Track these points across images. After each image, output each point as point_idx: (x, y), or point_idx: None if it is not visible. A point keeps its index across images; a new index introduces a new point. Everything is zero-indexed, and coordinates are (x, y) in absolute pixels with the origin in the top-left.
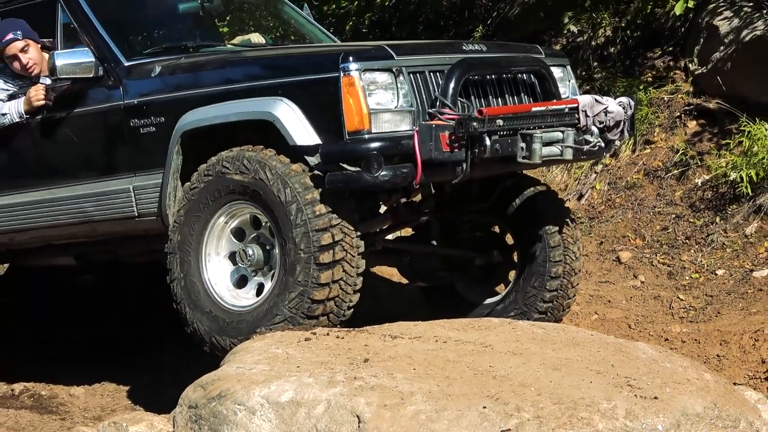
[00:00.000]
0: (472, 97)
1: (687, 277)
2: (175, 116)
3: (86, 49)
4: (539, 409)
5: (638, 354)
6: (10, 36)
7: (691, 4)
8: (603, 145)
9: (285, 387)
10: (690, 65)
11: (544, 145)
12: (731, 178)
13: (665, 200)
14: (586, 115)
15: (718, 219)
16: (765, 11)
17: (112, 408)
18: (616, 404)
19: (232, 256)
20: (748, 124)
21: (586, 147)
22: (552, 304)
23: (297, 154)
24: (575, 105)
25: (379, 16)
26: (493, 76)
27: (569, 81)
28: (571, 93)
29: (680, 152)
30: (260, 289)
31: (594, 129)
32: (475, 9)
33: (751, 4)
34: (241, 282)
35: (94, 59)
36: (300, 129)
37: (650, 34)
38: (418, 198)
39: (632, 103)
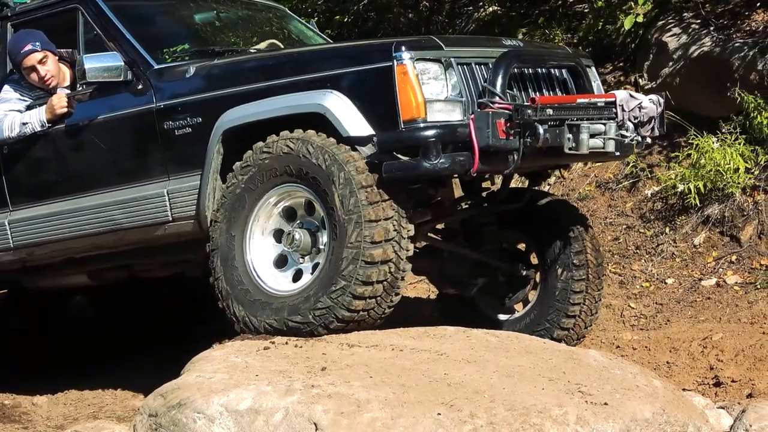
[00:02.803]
0: (514, 90)
1: (638, 286)
2: (213, 115)
3: (115, 53)
4: (492, 416)
5: (589, 361)
6: (29, 47)
7: (640, 19)
8: (639, 140)
9: (244, 395)
10: (640, 80)
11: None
12: (680, 189)
13: (616, 211)
14: (623, 110)
15: (667, 229)
16: (712, 28)
17: (75, 417)
18: (567, 410)
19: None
20: (696, 137)
21: (625, 141)
22: (568, 332)
23: (349, 145)
24: (613, 99)
25: (338, 32)
26: (531, 70)
27: (595, 81)
28: (597, 92)
29: (631, 164)
30: (298, 274)
31: (629, 124)
32: (432, 25)
33: (698, 21)
34: (280, 261)
35: (123, 63)
36: (352, 120)
37: (601, 50)
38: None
39: (662, 100)
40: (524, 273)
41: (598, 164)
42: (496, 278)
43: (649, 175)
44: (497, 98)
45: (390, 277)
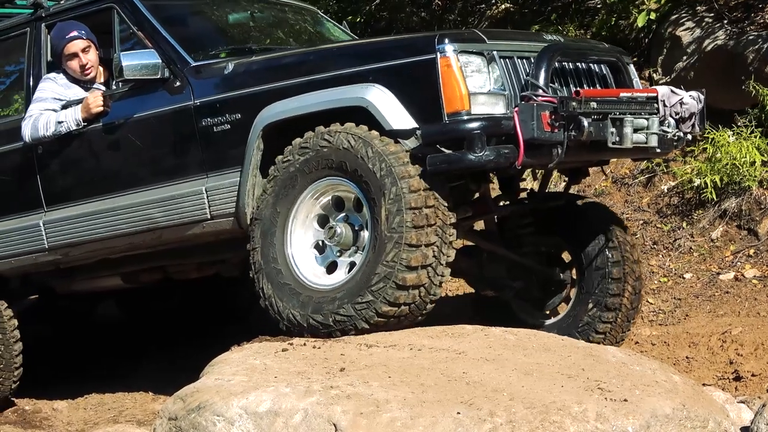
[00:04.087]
0: (555, 84)
1: (656, 281)
2: (253, 111)
3: (152, 50)
4: (512, 414)
5: (608, 357)
6: (74, 33)
7: (653, 16)
8: (681, 135)
9: (263, 397)
10: (654, 75)
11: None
12: (696, 184)
13: (633, 207)
14: (664, 105)
15: (684, 224)
16: (726, 21)
17: (95, 421)
18: (586, 407)
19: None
20: (712, 131)
21: (667, 137)
22: (611, 326)
23: (392, 138)
24: (655, 94)
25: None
26: (572, 65)
27: (634, 77)
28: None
29: (646, 159)
30: (332, 266)
31: (671, 120)
32: (445, 24)
33: (712, 14)
34: (319, 248)
35: (160, 60)
36: (395, 113)
37: (615, 46)
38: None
39: (702, 97)
40: (561, 278)
41: (614, 159)
42: (533, 282)
43: (665, 170)
44: (540, 91)
45: (419, 300)
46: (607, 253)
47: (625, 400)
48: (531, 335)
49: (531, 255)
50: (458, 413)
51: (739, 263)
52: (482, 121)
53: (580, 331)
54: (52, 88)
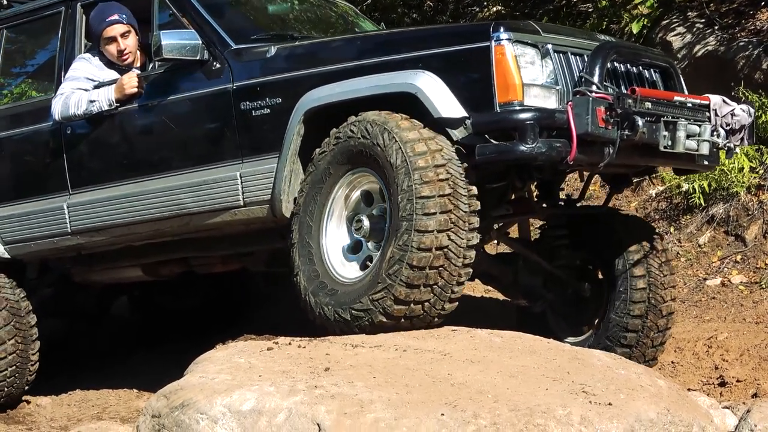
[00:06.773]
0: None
1: None
2: (295, 96)
3: (192, 30)
4: (496, 416)
5: (593, 361)
6: (115, 17)
7: (646, 22)
8: (731, 147)
9: (247, 396)
10: None
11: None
12: (684, 189)
13: None
14: (716, 115)
15: (672, 229)
16: (716, 27)
17: (79, 418)
18: (571, 411)
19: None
20: None
21: (717, 146)
22: (630, 350)
23: (439, 126)
24: (707, 102)
25: None
26: (623, 67)
27: (683, 86)
28: None
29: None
30: (357, 246)
31: (721, 131)
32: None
33: (703, 20)
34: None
35: (200, 41)
36: (445, 101)
37: None
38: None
39: (752, 110)
40: (590, 294)
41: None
42: (565, 295)
43: (654, 175)
44: (594, 88)
45: (433, 298)
46: (633, 278)
47: (610, 404)
48: (517, 338)
49: (564, 268)
50: (442, 414)
51: (726, 269)
52: (535, 112)
53: (605, 345)
54: (86, 68)
